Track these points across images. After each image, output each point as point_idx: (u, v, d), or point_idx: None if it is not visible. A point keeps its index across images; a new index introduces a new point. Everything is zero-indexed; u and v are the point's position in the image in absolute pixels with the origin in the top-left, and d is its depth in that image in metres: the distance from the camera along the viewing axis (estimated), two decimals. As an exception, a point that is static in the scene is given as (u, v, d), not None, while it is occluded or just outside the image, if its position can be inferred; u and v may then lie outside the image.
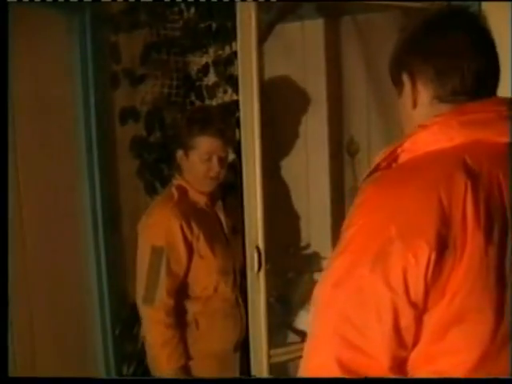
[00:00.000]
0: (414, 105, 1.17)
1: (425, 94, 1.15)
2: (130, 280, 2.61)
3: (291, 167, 2.64)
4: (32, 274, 2.27)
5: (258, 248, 2.03)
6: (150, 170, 2.66)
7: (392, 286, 0.98)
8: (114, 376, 2.57)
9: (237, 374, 2.30)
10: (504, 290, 0.99)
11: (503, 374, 1.01)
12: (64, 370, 2.34)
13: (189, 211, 2.18)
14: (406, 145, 1.12)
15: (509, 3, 2.03)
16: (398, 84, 1.21)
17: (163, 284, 2.11)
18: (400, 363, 1.02)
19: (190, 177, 2.23)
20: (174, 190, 2.22)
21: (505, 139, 1.07)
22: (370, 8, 2.37)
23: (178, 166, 2.26)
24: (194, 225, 2.17)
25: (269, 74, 2.43)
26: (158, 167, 2.66)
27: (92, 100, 2.46)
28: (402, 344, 1.00)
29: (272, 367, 2.12)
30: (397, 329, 0.99)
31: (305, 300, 2.64)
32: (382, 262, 0.98)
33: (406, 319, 0.99)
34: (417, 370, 1.03)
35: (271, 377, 2.11)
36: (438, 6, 1.78)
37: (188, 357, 2.18)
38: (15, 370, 2.13)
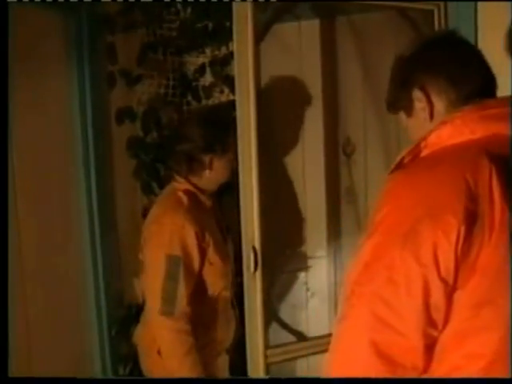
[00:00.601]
0: (431, 116, 1.24)
1: (439, 103, 1.23)
2: (126, 280, 2.61)
3: (287, 167, 2.65)
4: (28, 274, 2.27)
5: (254, 248, 2.03)
6: (147, 170, 2.65)
7: (422, 262, 1.01)
8: (110, 376, 2.57)
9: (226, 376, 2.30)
10: None
11: None
12: (60, 371, 2.33)
13: (199, 216, 2.11)
14: (430, 139, 1.17)
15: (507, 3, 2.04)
16: (405, 105, 1.29)
17: (183, 293, 2.04)
18: (431, 345, 1.04)
19: (206, 179, 2.17)
20: (181, 195, 2.13)
21: None
22: (365, 8, 2.37)
23: (191, 170, 2.16)
24: (205, 231, 2.11)
25: (265, 73, 2.43)
26: (155, 167, 2.66)
27: (88, 100, 2.45)
28: (432, 323, 1.03)
29: (268, 367, 2.12)
30: (427, 305, 1.02)
31: (301, 300, 2.65)
32: (412, 240, 1.02)
33: (436, 295, 1.02)
34: (446, 354, 1.05)
35: (267, 377, 2.11)
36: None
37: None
38: (11, 370, 2.12)
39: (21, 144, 2.22)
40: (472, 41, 2.06)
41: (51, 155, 2.40)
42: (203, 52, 2.69)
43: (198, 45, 2.68)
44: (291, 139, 2.62)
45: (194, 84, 2.72)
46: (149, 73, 2.66)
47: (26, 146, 2.26)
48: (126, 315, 2.61)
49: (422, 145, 1.17)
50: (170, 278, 2.03)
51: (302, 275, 2.67)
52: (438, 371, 1.06)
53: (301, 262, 2.65)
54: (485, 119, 1.13)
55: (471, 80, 1.21)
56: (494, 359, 1.02)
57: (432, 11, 2.21)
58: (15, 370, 2.13)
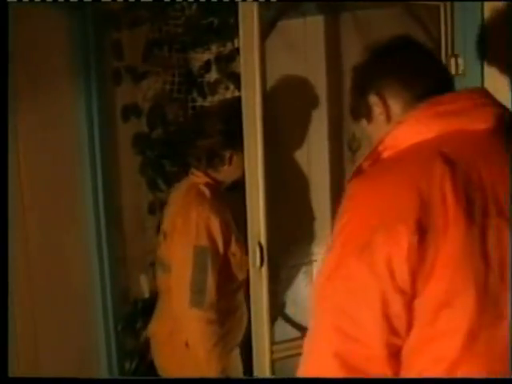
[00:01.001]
0: (389, 119, 1.25)
1: (396, 105, 1.24)
2: (132, 277, 2.62)
3: (293, 163, 2.65)
4: (34, 270, 2.28)
5: (260, 244, 2.03)
6: (153, 166, 2.66)
7: (378, 274, 1.02)
8: (116, 372, 2.58)
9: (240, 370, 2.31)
10: (487, 270, 1.02)
11: (493, 355, 1.03)
12: (67, 366, 2.35)
13: (221, 208, 2.16)
14: (387, 142, 1.17)
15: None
16: (365, 112, 1.30)
17: (211, 283, 2.09)
18: (396, 352, 1.05)
19: (223, 174, 2.22)
20: (203, 188, 2.19)
21: (482, 126, 1.13)
22: (370, 5, 2.37)
23: (211, 164, 2.21)
24: (227, 222, 2.16)
25: (270, 70, 2.43)
26: (161, 163, 2.67)
27: (94, 96, 2.46)
28: (394, 331, 1.03)
29: (274, 363, 2.13)
30: (387, 316, 1.02)
31: (307, 295, 2.65)
32: (367, 252, 1.03)
33: (396, 306, 1.02)
34: (413, 358, 1.05)
35: (272, 377, 2.11)
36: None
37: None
38: (18, 366, 2.14)
39: (26, 141, 2.23)
40: (478, 37, 2.07)
41: (57, 152, 2.41)
42: (208, 48, 2.70)
43: (204, 41, 2.68)
44: (296, 135, 2.62)
45: (199, 80, 2.72)
46: (154, 69, 2.66)
47: (32, 144, 2.27)
48: (131, 311, 2.62)
49: (380, 148, 1.18)
50: (199, 268, 2.07)
51: (307, 271, 2.67)
52: (408, 377, 1.07)
53: (306, 258, 2.65)
54: (441, 116, 1.13)
55: (425, 79, 1.22)
56: (455, 361, 1.02)
57: (438, 7, 2.20)
58: (22, 366, 2.15)
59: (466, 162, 1.07)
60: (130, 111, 2.62)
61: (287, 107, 2.55)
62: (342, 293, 1.06)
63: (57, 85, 2.41)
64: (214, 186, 2.21)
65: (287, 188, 2.61)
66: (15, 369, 2.12)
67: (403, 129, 1.15)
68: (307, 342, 1.13)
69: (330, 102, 2.61)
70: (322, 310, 1.10)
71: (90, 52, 2.44)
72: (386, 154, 1.17)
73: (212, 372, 2.15)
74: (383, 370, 1.04)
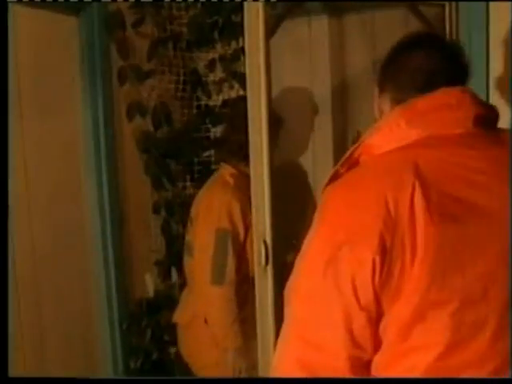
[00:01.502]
0: (380, 114, 1.24)
1: (387, 101, 1.22)
2: (137, 276, 2.63)
3: (298, 162, 2.65)
4: (40, 269, 2.29)
5: (265, 242, 2.03)
6: (158, 165, 2.67)
7: (342, 291, 1.02)
8: (121, 371, 2.58)
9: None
10: (464, 284, 1.00)
11: (472, 363, 1.02)
12: (72, 365, 2.36)
13: (244, 196, 2.24)
14: (361, 149, 1.15)
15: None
16: (373, 103, 1.29)
17: (231, 264, 2.19)
18: (361, 365, 1.05)
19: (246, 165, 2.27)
20: (228, 178, 2.31)
21: (459, 130, 1.09)
22: (375, 5, 2.37)
23: (241, 158, 2.26)
24: (248, 209, 2.18)
25: (275, 69, 2.43)
26: (165, 162, 2.68)
27: (99, 96, 2.46)
28: (357, 345, 1.03)
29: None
30: (350, 330, 1.02)
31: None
32: (332, 268, 1.02)
33: (359, 321, 1.02)
34: (389, 368, 1.05)
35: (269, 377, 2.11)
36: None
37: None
38: (24, 364, 2.15)
39: (31, 140, 2.24)
40: (484, 34, 2.06)
41: (62, 151, 2.41)
42: (213, 47, 2.71)
43: (208, 40, 2.69)
44: (301, 135, 2.63)
45: (204, 79, 2.73)
46: (159, 68, 2.67)
47: (37, 142, 2.28)
48: (136, 310, 2.63)
49: (356, 155, 1.15)
50: (220, 249, 2.19)
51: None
52: None
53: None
54: (413, 124, 1.10)
55: (413, 75, 1.17)
56: (427, 372, 1.01)
57: (443, 6, 2.20)
58: (28, 364, 2.16)
59: (442, 174, 1.04)
60: (135, 110, 2.61)
61: (291, 106, 2.56)
62: (306, 304, 1.07)
63: (62, 84, 2.41)
64: (240, 178, 2.29)
65: (292, 187, 2.62)
66: (21, 368, 2.13)
67: (376, 138, 1.13)
68: (278, 346, 1.14)
69: (334, 101, 2.61)
70: (288, 320, 1.11)
71: (95, 51, 2.44)
72: (362, 159, 1.15)
73: (228, 350, 2.23)
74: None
